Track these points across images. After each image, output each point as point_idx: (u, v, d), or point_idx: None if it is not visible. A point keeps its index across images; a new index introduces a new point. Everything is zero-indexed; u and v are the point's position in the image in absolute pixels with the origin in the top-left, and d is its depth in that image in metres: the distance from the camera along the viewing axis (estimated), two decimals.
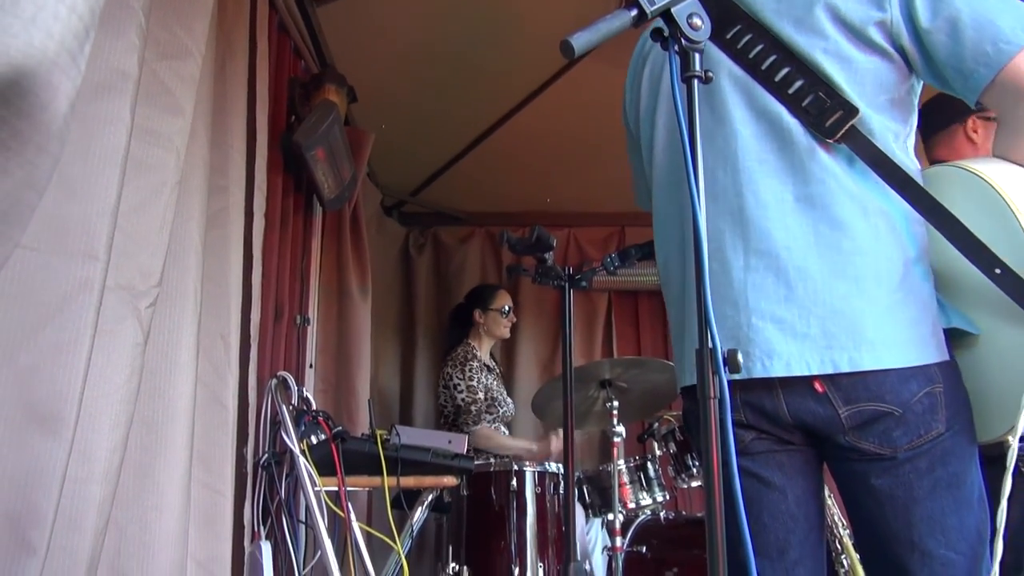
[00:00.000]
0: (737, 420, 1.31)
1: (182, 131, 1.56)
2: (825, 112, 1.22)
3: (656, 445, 3.23)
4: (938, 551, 1.17)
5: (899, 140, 1.25)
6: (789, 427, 1.28)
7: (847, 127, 1.21)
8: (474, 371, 3.59)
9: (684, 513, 3.32)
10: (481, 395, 3.57)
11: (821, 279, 1.22)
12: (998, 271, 1.10)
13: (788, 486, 1.30)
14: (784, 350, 1.22)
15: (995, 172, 1.19)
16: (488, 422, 3.64)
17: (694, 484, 3.14)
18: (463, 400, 3.55)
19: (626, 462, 3.12)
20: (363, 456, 2.15)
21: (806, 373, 1.22)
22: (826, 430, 1.25)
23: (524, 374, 4.42)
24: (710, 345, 0.96)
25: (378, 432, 2.17)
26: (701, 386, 0.95)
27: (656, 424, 3.27)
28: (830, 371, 1.21)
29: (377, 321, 3.98)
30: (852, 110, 1.21)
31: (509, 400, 3.82)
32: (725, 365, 0.94)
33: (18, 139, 0.70)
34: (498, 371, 3.94)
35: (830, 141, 1.22)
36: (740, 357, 0.95)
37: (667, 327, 4.54)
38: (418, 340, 4.46)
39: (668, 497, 3.12)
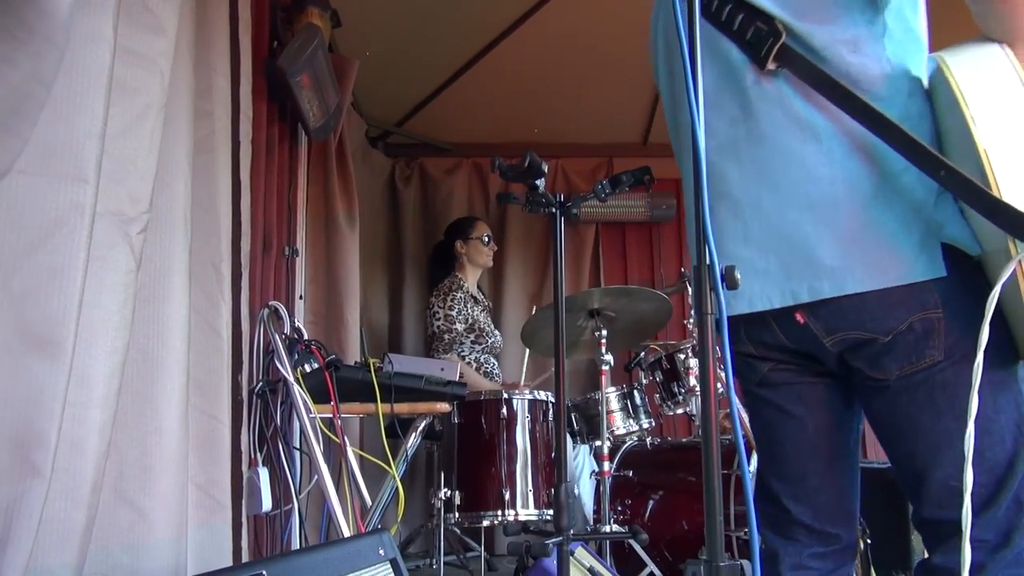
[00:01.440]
0: (748, 352, 1.33)
1: (165, 52, 1.52)
2: (761, 41, 1.19)
3: (643, 374, 3.30)
4: (949, 483, 1.13)
5: (860, 47, 1.17)
6: (800, 354, 1.29)
7: (776, 50, 1.17)
8: (456, 301, 3.62)
9: (669, 439, 3.41)
10: (459, 326, 3.60)
11: (775, 212, 1.21)
12: (942, 172, 1.05)
13: (808, 417, 1.30)
14: (747, 288, 1.23)
15: (959, 61, 1.10)
16: (477, 352, 3.68)
17: (679, 411, 3.21)
18: (437, 328, 3.59)
19: (615, 390, 3.18)
20: (356, 384, 2.17)
21: (768, 307, 1.24)
22: (823, 357, 1.26)
23: (512, 306, 4.46)
24: (708, 261, 0.96)
25: (371, 360, 2.18)
26: (698, 303, 0.96)
27: (643, 353, 3.34)
28: (791, 303, 1.21)
29: (365, 253, 3.97)
30: (776, 32, 1.17)
31: (496, 332, 3.85)
32: (723, 281, 0.94)
33: (24, 28, 0.66)
34: (486, 304, 3.96)
35: (768, 68, 1.19)
36: (738, 274, 0.95)
37: (654, 258, 4.63)
38: (406, 272, 4.46)
39: (654, 424, 3.19)
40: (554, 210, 1.97)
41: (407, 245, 4.50)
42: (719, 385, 1.72)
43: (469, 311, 3.67)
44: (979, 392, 1.01)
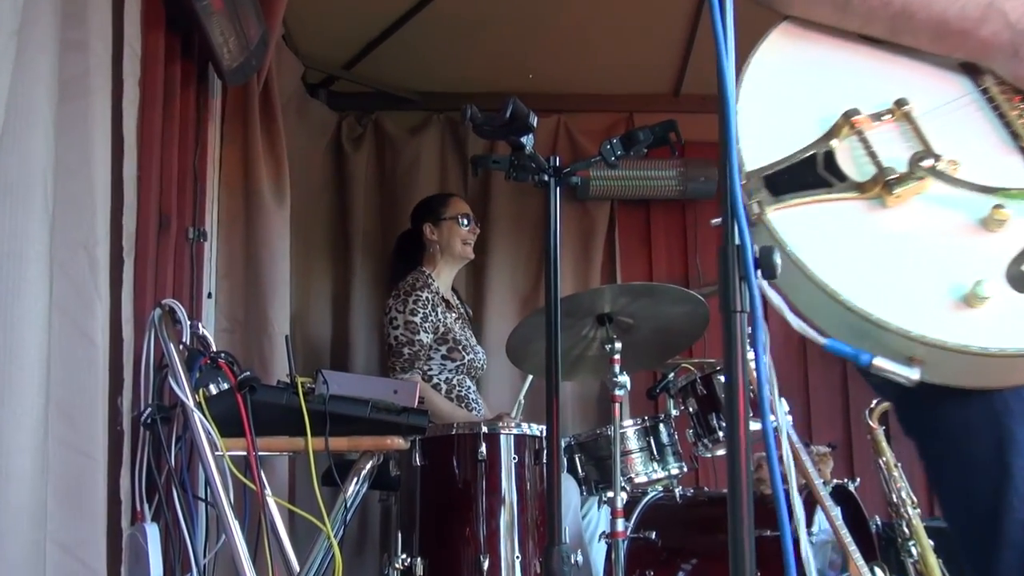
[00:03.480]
0: None
1: None
2: None
3: (671, 402, 3.29)
4: None
5: None
6: None
7: None
8: (421, 304, 3.62)
9: (707, 490, 3.41)
10: (424, 336, 3.60)
11: None
12: None
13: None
14: None
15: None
16: (449, 372, 3.67)
17: (719, 452, 3.21)
18: (396, 338, 3.60)
19: (633, 423, 3.19)
20: (280, 411, 2.16)
21: None
22: None
23: (498, 312, 4.47)
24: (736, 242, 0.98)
25: (299, 380, 2.16)
26: (723, 295, 0.95)
27: (671, 374, 3.35)
28: None
29: (300, 238, 3.95)
30: None
31: (479, 348, 3.85)
32: (757, 268, 0.95)
33: None
34: (463, 311, 3.96)
35: None
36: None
37: (688, 246, 4.65)
38: (356, 265, 4.46)
39: (686, 469, 3.20)
40: (547, 178, 1.97)
41: (358, 229, 4.50)
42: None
43: (439, 317, 3.67)
44: None
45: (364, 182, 4.57)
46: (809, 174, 1.24)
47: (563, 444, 3.10)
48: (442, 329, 3.67)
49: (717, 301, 3.67)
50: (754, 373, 1.15)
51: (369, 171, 4.60)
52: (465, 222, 3.83)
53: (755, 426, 1.09)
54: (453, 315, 3.78)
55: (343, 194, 4.56)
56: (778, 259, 0.97)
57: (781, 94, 1.34)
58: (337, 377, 2.29)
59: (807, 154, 1.25)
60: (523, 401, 3.74)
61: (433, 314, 3.64)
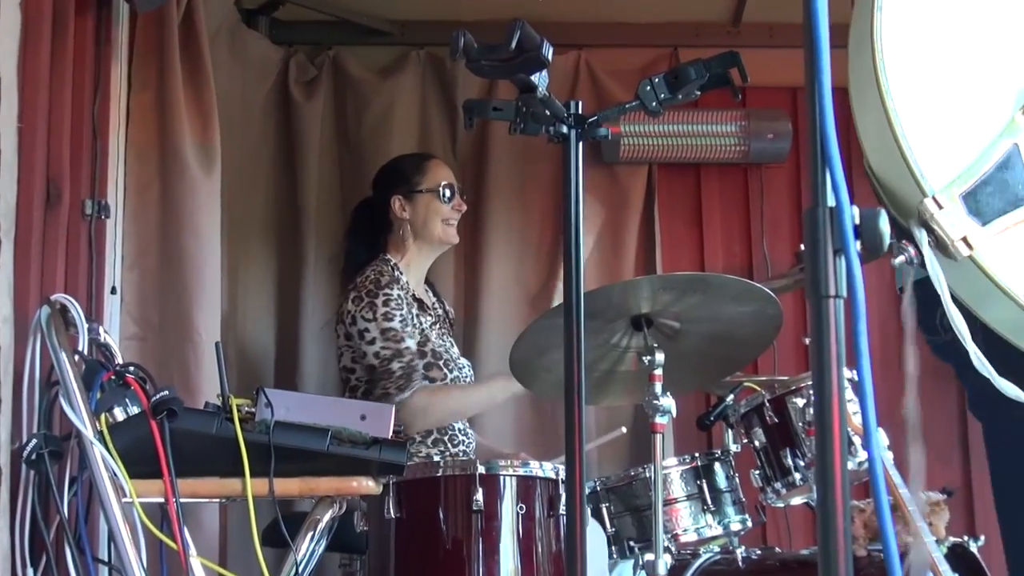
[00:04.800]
0: None
1: None
2: None
3: (730, 434, 3.30)
4: None
5: None
6: None
7: None
8: (395, 303, 3.60)
9: (778, 551, 3.39)
10: (411, 342, 3.59)
11: None
12: None
13: None
14: None
15: None
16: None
17: (795, 500, 3.21)
18: (379, 354, 3.56)
19: (679, 462, 3.18)
20: (209, 443, 2.16)
21: None
22: None
23: (498, 315, 4.48)
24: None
25: (235, 401, 2.16)
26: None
27: (730, 397, 3.34)
28: None
29: (235, 215, 3.95)
30: None
31: (463, 362, 3.85)
32: (856, 238, 0.95)
33: None
34: (442, 313, 3.95)
35: None
36: (884, 225, 0.95)
37: (751, 225, 4.63)
38: (308, 251, 4.45)
39: (750, 523, 3.20)
40: (566, 130, 1.96)
41: (310, 203, 4.49)
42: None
43: (415, 321, 3.66)
44: None
45: (319, 141, 4.55)
46: (1011, 181, 1.21)
47: (587, 489, 3.10)
48: (417, 338, 3.65)
49: (791, 297, 3.61)
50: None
51: (326, 126, 4.58)
52: (448, 194, 3.80)
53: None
54: (428, 319, 3.78)
55: (291, 157, 4.54)
56: (885, 226, 0.96)
57: (936, 55, 1.29)
58: (285, 398, 2.29)
59: (1002, 153, 1.22)
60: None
61: (408, 319, 3.63)
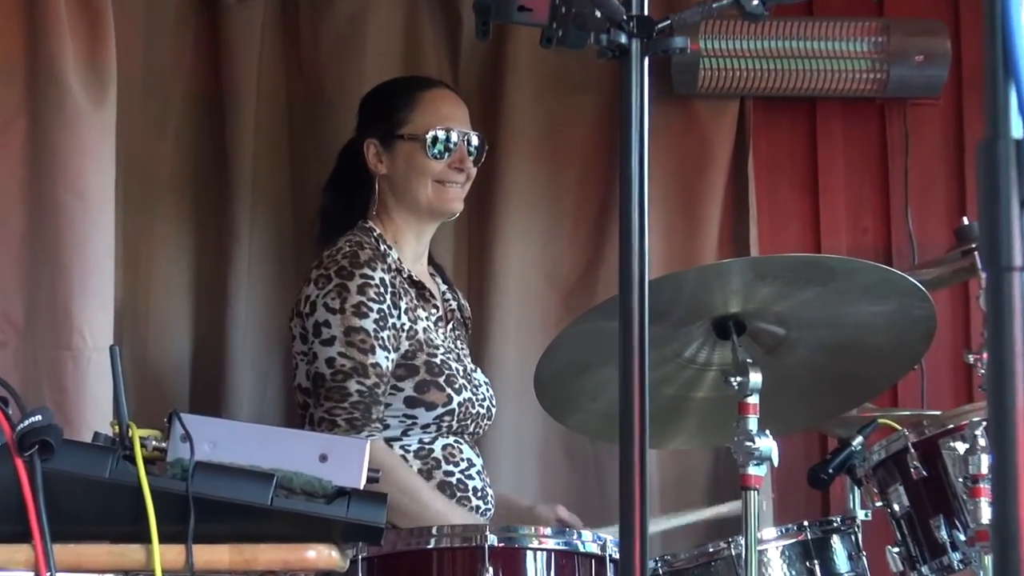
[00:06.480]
0: None
1: None
2: None
3: (856, 492, 3.37)
4: None
5: None
6: None
7: None
8: (373, 293, 3.62)
9: None
10: (383, 359, 3.60)
11: None
12: None
13: None
14: None
15: None
16: (433, 430, 3.69)
17: None
18: (335, 362, 3.59)
19: (781, 533, 3.21)
20: (100, 492, 2.17)
21: None
22: None
23: (514, 319, 4.53)
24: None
25: (136, 432, 2.17)
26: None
27: (859, 439, 3.38)
28: None
29: (136, 167, 3.96)
30: None
31: (480, 378, 3.88)
32: None
33: None
34: (455, 307, 3.99)
35: None
36: None
37: (890, 190, 4.64)
38: (240, 218, 4.49)
39: None
40: (625, 39, 1.96)
41: (246, 155, 4.52)
42: None
43: (403, 320, 3.68)
44: None
45: (258, 61, 4.57)
46: None
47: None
48: (407, 344, 3.66)
49: (948, 295, 3.63)
50: None
51: (268, 40, 4.61)
52: (440, 145, 3.83)
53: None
54: (432, 313, 3.80)
55: (218, 85, 4.57)
56: None
57: None
58: (210, 428, 2.31)
59: None
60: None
61: (394, 313, 3.63)
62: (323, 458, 2.32)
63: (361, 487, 2.32)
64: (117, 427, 2.25)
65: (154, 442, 2.23)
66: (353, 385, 3.56)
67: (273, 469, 2.26)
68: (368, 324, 3.59)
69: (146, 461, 2.18)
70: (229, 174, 4.50)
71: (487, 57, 4.56)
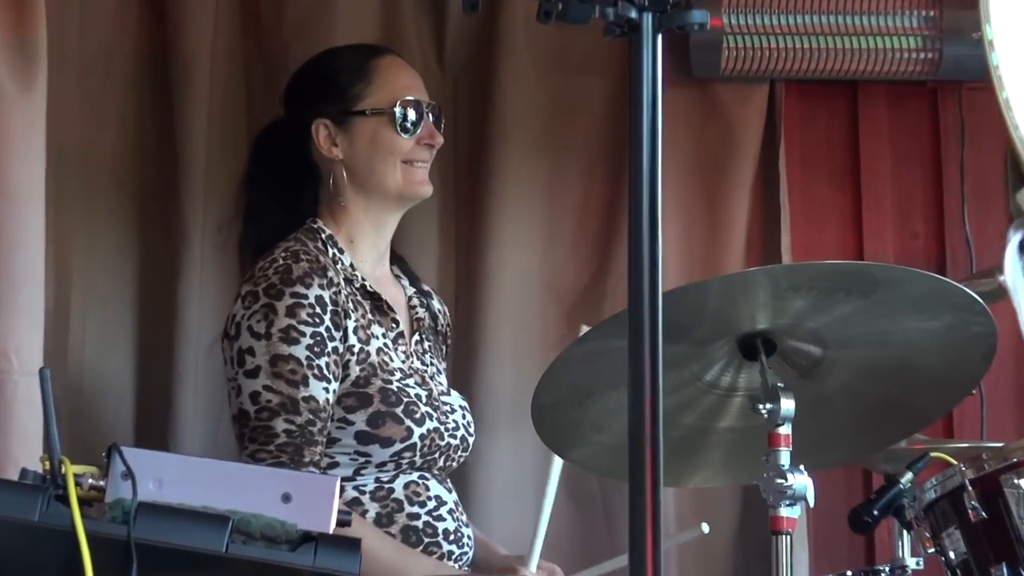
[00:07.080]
0: None
1: None
2: None
3: (906, 538, 3.38)
4: None
5: None
6: None
7: None
8: (307, 313, 3.61)
9: None
10: (319, 391, 3.59)
11: None
12: None
13: None
14: None
15: None
16: (390, 468, 3.68)
17: None
18: (259, 398, 3.59)
19: None
20: (25, 540, 2.17)
21: None
22: None
23: (508, 336, 4.57)
24: None
25: (70, 468, 2.17)
26: None
27: (908, 476, 3.39)
28: None
29: (70, 160, 3.96)
30: None
31: (455, 403, 3.89)
32: None
33: None
34: (424, 316, 3.99)
35: None
36: None
37: (944, 188, 4.64)
38: (190, 220, 4.51)
39: None
40: (635, 14, 1.94)
41: (198, 138, 4.55)
42: None
43: (359, 339, 3.69)
44: None
45: (212, 37, 4.61)
46: None
47: None
48: (357, 370, 3.65)
49: (1010, 308, 3.70)
50: None
51: (223, 11, 4.65)
52: (411, 116, 3.84)
53: None
54: (390, 329, 3.81)
55: (165, 64, 4.59)
56: None
57: None
58: (156, 463, 2.30)
59: None
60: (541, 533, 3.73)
61: (336, 337, 3.61)
62: (287, 498, 2.31)
63: (330, 531, 2.31)
64: (48, 463, 2.24)
65: (91, 480, 2.21)
66: (280, 424, 3.55)
67: (229, 511, 2.25)
68: (299, 351, 3.58)
69: (82, 502, 2.16)
70: (179, 168, 4.54)
71: (477, 34, 4.60)
